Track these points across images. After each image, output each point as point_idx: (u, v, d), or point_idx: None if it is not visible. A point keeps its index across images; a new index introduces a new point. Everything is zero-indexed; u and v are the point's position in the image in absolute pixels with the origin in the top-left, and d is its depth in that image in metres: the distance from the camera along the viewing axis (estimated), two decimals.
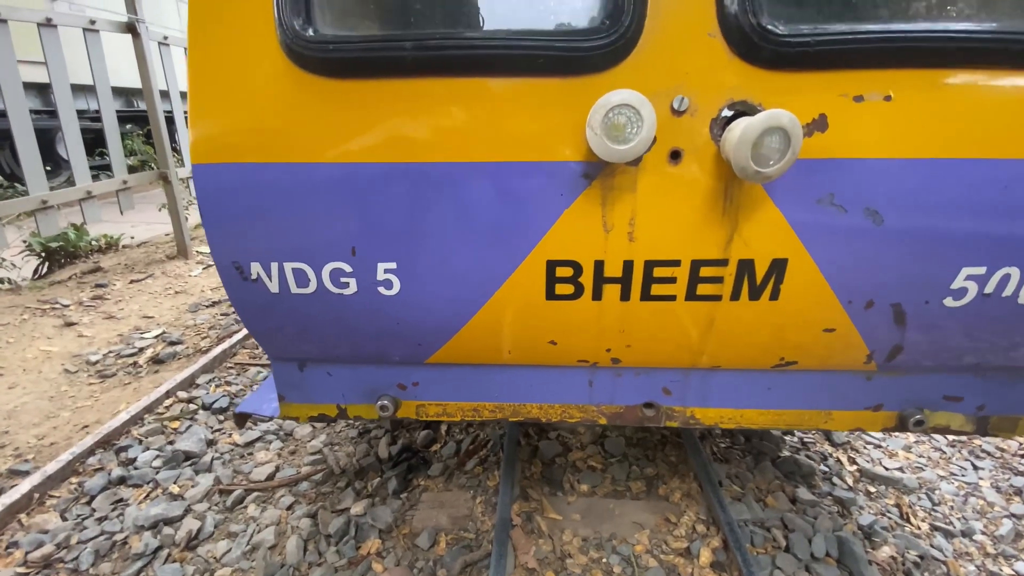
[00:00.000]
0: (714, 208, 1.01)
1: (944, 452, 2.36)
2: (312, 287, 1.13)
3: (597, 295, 1.11)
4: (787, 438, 2.37)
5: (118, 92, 7.84)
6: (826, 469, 2.18)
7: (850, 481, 2.12)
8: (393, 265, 1.10)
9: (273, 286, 1.13)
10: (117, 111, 4.22)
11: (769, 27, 0.93)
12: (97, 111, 4.13)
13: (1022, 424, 1.30)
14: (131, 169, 4.63)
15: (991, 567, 1.79)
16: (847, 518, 1.91)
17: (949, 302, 1.06)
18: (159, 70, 4.43)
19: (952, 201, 0.98)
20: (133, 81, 4.30)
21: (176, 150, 4.91)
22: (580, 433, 2.36)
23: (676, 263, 1.06)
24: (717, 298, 1.09)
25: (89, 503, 1.98)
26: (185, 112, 5.05)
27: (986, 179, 0.96)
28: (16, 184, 7.47)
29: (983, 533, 1.93)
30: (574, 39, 0.95)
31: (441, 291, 1.12)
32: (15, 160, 9.09)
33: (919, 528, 1.92)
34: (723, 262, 1.05)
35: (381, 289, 1.12)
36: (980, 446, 2.41)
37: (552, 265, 1.08)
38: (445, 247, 1.08)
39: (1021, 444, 2.44)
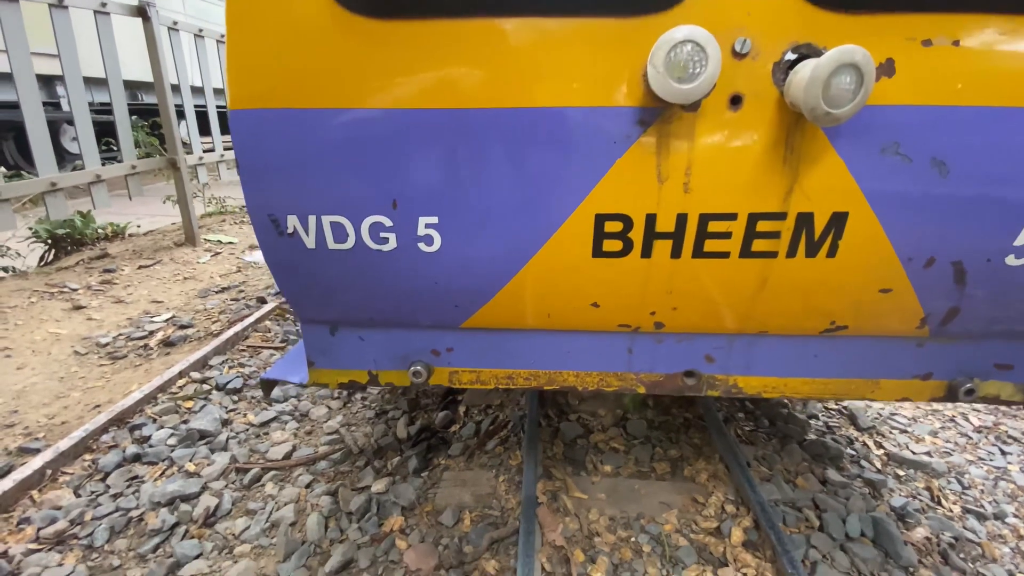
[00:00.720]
0: (774, 158, 0.97)
1: (971, 437, 2.32)
2: (351, 242, 1.09)
3: (647, 252, 1.06)
4: (812, 422, 2.33)
5: (124, 85, 7.82)
6: (853, 452, 2.14)
7: (878, 464, 2.09)
8: (435, 219, 1.06)
9: (310, 241, 1.09)
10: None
11: None
12: (103, 104, 4.06)
13: None
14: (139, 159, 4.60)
15: None
16: (879, 499, 1.87)
17: (1011, 260, 1.02)
18: (169, 56, 4.39)
19: (1020, 152, 0.94)
20: (138, 75, 4.25)
21: (185, 142, 4.88)
22: (601, 415, 2.32)
23: (733, 217, 1.02)
24: (773, 255, 1.05)
25: (103, 480, 1.94)
26: (196, 106, 5.02)
27: None
28: (22, 172, 7.43)
29: (1016, 516, 1.89)
30: None
31: (483, 248, 1.08)
32: (18, 151, 9.05)
33: (951, 511, 1.88)
34: (782, 216, 1.01)
35: (421, 245, 1.08)
36: (1007, 431, 2.37)
37: (601, 219, 1.04)
38: (489, 200, 1.04)
39: None
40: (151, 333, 3.12)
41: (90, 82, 3.91)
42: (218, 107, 5.27)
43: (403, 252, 1.09)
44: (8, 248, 4.27)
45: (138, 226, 5.49)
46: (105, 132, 4.98)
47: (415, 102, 0.99)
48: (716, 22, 0.93)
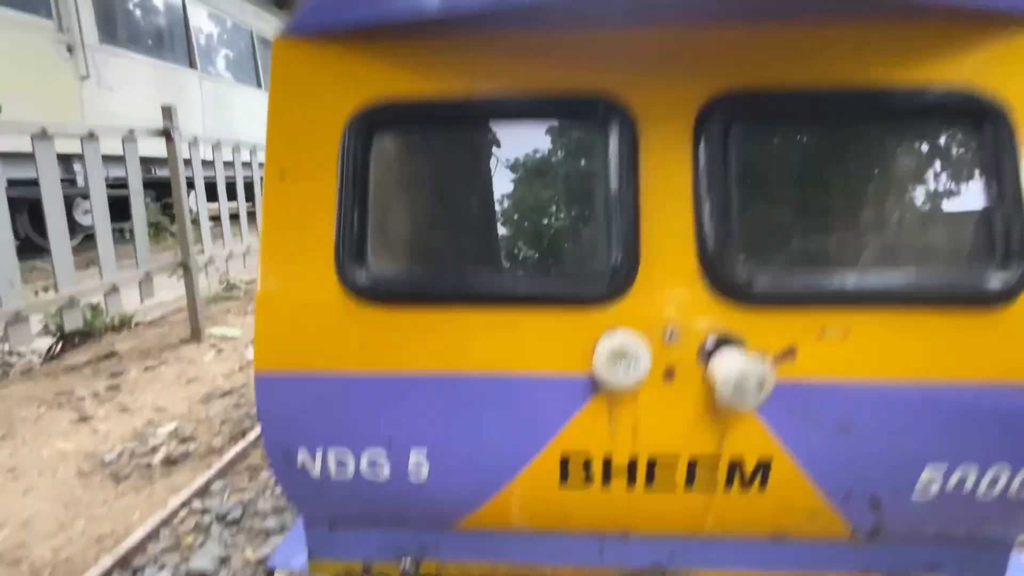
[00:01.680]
0: (705, 416, 1.17)
1: None
2: (350, 474, 1.27)
3: (606, 483, 1.24)
4: None
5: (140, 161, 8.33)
6: None
7: None
8: (423, 454, 1.24)
9: (315, 471, 1.27)
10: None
11: (742, 275, 1.13)
12: (121, 178, 4.30)
13: None
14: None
15: None
16: None
17: (918, 495, 1.20)
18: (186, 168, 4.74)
19: (908, 413, 1.15)
20: (154, 152, 4.58)
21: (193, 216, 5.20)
22: None
23: (675, 458, 1.20)
24: (712, 488, 1.23)
25: None
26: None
27: (933, 396, 1.13)
28: (31, 255, 7.73)
29: None
30: (583, 282, 1.15)
31: (464, 478, 1.26)
32: (32, 227, 9.40)
33: None
34: (716, 459, 1.20)
35: (410, 476, 1.26)
36: None
37: (565, 457, 1.23)
38: (471, 441, 1.23)
39: None
40: (154, 449, 3.23)
41: (110, 159, 4.20)
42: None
43: (395, 481, 1.27)
44: (19, 354, 4.43)
45: (144, 315, 5.69)
46: (118, 205, 5.18)
47: (411, 366, 1.20)
48: (650, 314, 1.15)
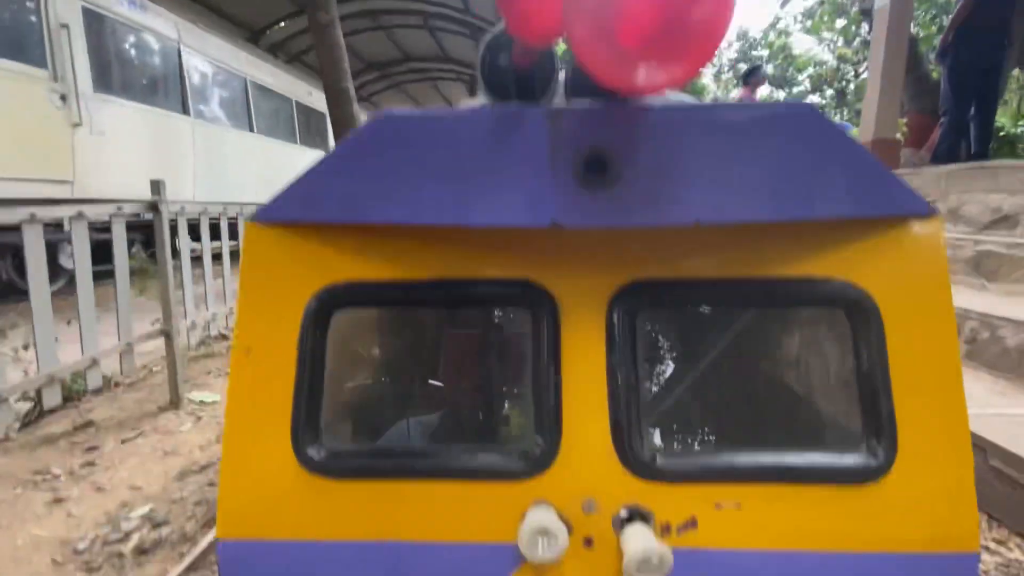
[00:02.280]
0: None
1: None
2: None
3: None
4: None
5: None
6: None
7: None
8: None
9: None
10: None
11: (647, 453, 1.29)
12: (104, 224, 4.37)
13: None
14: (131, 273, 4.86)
15: None
16: None
17: None
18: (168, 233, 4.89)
19: None
20: (141, 194, 4.69)
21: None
22: None
23: None
24: None
25: None
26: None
27: (813, 565, 1.29)
28: (14, 298, 7.75)
29: None
30: (511, 458, 1.31)
31: None
32: (15, 269, 9.43)
33: None
34: None
35: None
36: None
37: None
38: None
39: None
40: (127, 535, 3.28)
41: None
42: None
43: None
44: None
45: (123, 376, 5.73)
46: (101, 247, 5.22)
47: (362, 535, 1.34)
48: (569, 488, 1.31)
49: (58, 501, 3.59)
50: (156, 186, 4.54)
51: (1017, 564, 3.19)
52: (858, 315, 1.34)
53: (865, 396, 1.33)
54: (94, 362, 4.13)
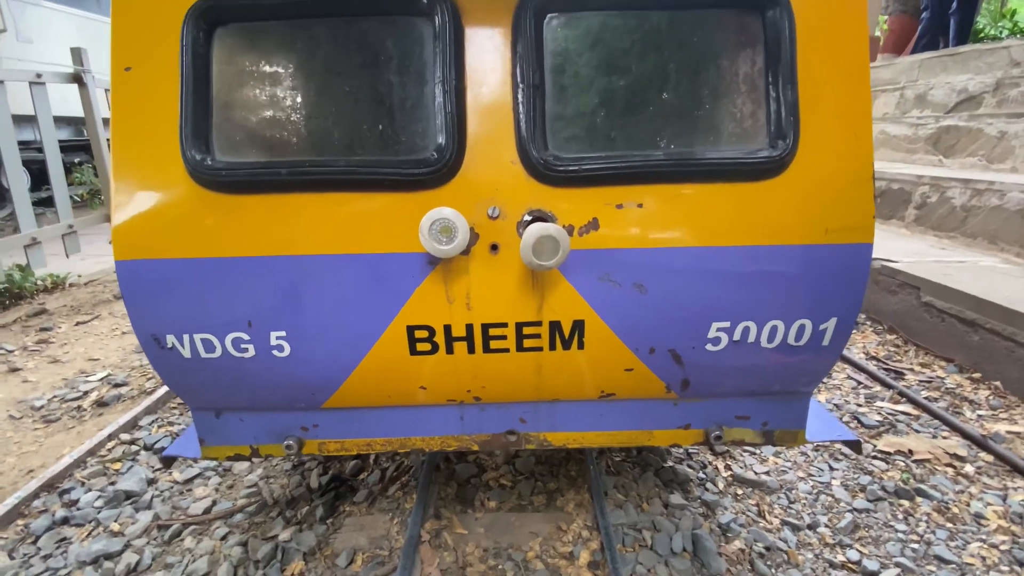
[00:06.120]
0: (526, 284, 1.34)
1: (808, 455, 2.75)
2: (218, 353, 1.39)
3: (449, 350, 1.41)
4: (673, 450, 2.72)
5: (67, 121, 7.93)
6: (703, 476, 2.53)
7: (721, 486, 2.48)
8: (283, 333, 1.38)
9: (186, 352, 1.39)
10: (65, 140, 4.34)
11: (550, 158, 1.27)
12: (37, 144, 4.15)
13: (800, 435, 1.66)
14: (82, 199, 4.71)
15: (827, 555, 2.15)
16: (710, 518, 2.25)
17: (710, 348, 1.41)
18: (104, 115, 4.58)
19: (693, 276, 1.34)
20: (79, 111, 4.40)
21: None
22: (496, 455, 2.64)
23: (505, 325, 1.38)
24: (539, 349, 1.41)
25: (35, 543, 2.14)
26: None
27: (713, 260, 1.33)
28: None
29: (826, 526, 2.29)
30: (414, 167, 1.27)
31: (324, 353, 1.40)
32: None
33: (771, 523, 2.27)
34: (538, 323, 1.37)
35: (275, 352, 1.40)
36: (840, 449, 2.81)
37: (411, 329, 1.38)
38: (325, 318, 1.36)
39: (875, 447, 2.85)
40: (85, 394, 3.29)
41: (31, 119, 4.02)
42: None
43: (261, 358, 1.40)
44: None
45: (79, 276, 5.58)
46: (46, 173, 5.07)
47: (261, 251, 1.31)
48: (475, 195, 1.29)
49: (13, 371, 3.56)
50: (77, 55, 4.19)
51: (939, 380, 3.44)
52: (771, 9, 1.30)
53: (771, 91, 1.31)
54: (33, 241, 3.97)
